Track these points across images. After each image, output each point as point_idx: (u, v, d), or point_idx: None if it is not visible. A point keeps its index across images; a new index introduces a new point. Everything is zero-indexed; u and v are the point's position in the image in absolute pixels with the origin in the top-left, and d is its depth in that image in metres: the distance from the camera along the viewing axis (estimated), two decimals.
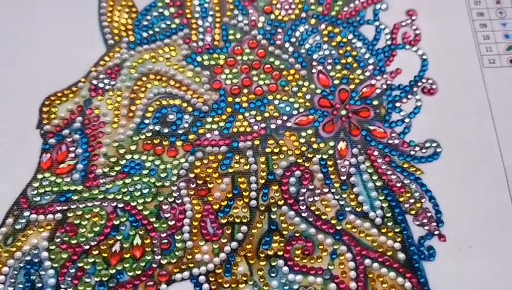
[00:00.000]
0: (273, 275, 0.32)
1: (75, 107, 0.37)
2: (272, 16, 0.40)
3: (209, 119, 0.37)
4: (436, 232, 0.33)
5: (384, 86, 0.38)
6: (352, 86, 0.38)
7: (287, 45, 0.39)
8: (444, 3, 0.41)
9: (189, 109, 0.37)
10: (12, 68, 0.38)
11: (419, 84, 0.38)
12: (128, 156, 0.35)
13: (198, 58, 0.39)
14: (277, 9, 0.41)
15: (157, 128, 0.36)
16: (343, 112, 0.37)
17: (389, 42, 0.40)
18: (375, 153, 0.36)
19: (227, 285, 0.32)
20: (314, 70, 0.38)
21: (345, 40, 0.39)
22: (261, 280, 0.32)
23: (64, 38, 0.39)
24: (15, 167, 0.35)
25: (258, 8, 0.41)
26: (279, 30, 0.40)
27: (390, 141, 0.36)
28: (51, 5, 0.40)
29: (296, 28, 0.40)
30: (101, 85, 0.38)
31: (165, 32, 0.40)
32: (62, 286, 0.32)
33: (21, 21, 0.40)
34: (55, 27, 0.40)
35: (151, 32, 0.40)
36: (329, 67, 0.38)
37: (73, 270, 0.32)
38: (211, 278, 0.32)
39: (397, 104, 0.37)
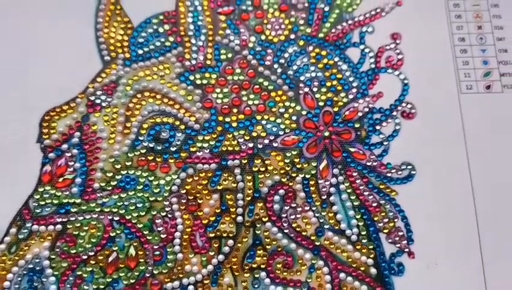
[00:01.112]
0: (256, 286, 0.37)
1: (73, 123, 0.41)
2: (263, 37, 0.44)
3: (200, 138, 0.41)
4: (406, 250, 0.38)
5: (366, 109, 0.42)
6: (336, 109, 0.42)
7: (275, 65, 0.43)
8: (427, 27, 0.45)
9: (182, 127, 0.41)
10: (13, 85, 0.42)
11: (399, 108, 0.42)
12: (124, 172, 0.40)
13: (191, 77, 0.43)
14: (267, 30, 0.44)
15: (151, 145, 0.41)
16: (327, 134, 0.41)
17: (372, 66, 0.44)
18: (355, 173, 0.40)
19: None
20: (301, 92, 0.42)
21: (331, 62, 0.44)
22: None
23: (62, 54, 0.43)
24: (17, 179, 0.39)
25: (249, 27, 0.45)
26: (269, 51, 0.44)
27: (368, 163, 0.41)
28: (49, 21, 0.44)
29: (285, 49, 0.44)
30: (97, 101, 0.42)
31: (160, 50, 0.44)
32: None
33: (20, 38, 0.43)
34: (52, 43, 0.43)
35: (146, 49, 0.44)
36: (315, 89, 0.43)
37: (72, 278, 0.37)
38: (199, 288, 0.37)
39: (377, 127, 0.42)
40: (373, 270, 0.38)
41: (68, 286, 0.37)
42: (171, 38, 0.44)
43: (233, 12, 0.45)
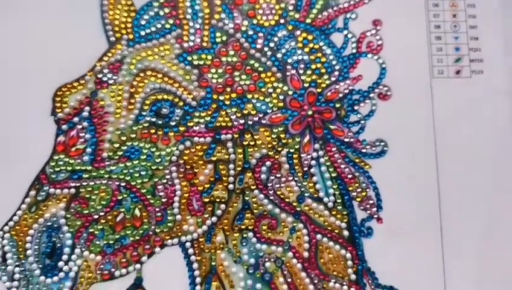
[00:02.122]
0: (244, 244, 0.46)
1: (83, 98, 0.48)
2: (255, 21, 0.51)
3: (197, 114, 0.48)
4: (375, 216, 0.47)
5: (346, 91, 0.49)
6: (319, 90, 0.49)
7: (266, 48, 0.50)
8: (406, 14, 0.52)
9: (180, 103, 0.48)
10: (29, 62, 0.49)
11: (377, 90, 0.50)
12: (129, 143, 0.47)
13: (189, 58, 0.50)
14: (259, 14, 0.51)
15: (153, 119, 0.48)
16: (310, 113, 0.49)
17: (354, 50, 0.50)
18: (333, 148, 0.48)
19: (208, 250, 0.45)
20: (288, 74, 0.50)
21: (316, 46, 0.50)
22: (235, 247, 0.46)
23: (71, 35, 0.50)
24: (34, 148, 0.47)
25: (242, 11, 0.51)
26: (260, 34, 0.50)
27: (346, 139, 0.48)
28: (59, 5, 0.50)
29: (275, 33, 0.50)
30: (105, 79, 0.49)
31: (160, 32, 0.50)
32: (77, 246, 0.45)
33: (37, 20, 0.50)
34: (64, 24, 0.50)
35: (148, 31, 0.50)
36: (301, 71, 0.50)
37: (86, 235, 0.45)
38: (195, 245, 0.45)
39: (356, 107, 0.49)
40: (346, 233, 0.47)
41: (82, 241, 0.45)
42: (171, 21, 0.51)
43: None
